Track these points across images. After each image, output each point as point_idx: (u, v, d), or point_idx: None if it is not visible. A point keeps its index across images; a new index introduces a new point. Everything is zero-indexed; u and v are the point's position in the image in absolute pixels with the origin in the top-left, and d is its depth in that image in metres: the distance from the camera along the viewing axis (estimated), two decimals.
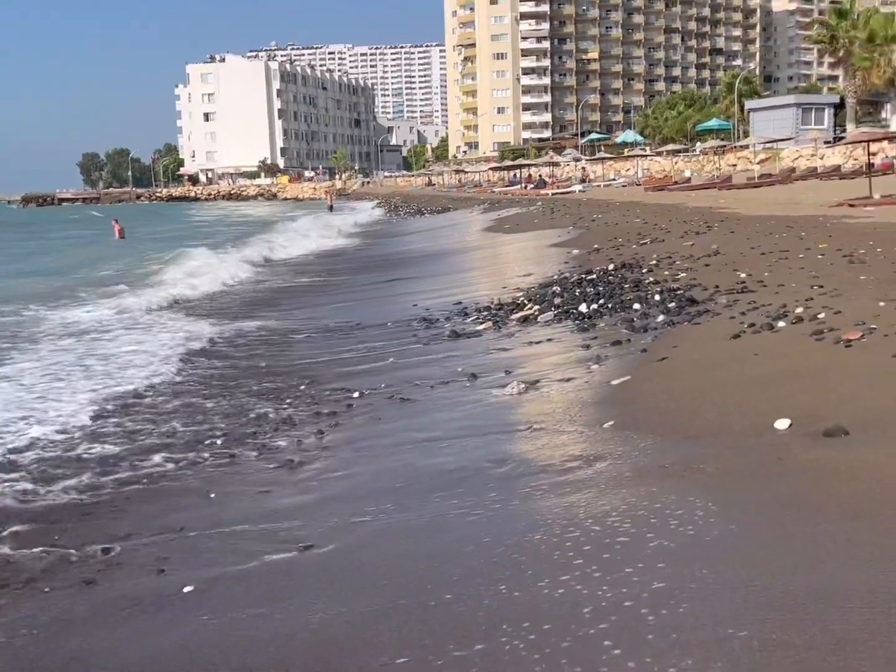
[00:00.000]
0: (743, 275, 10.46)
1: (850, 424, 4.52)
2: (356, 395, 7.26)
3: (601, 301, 9.92)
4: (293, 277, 19.29)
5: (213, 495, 5.10)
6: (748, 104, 65.65)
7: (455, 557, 3.68)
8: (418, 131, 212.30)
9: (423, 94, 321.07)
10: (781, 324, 7.09)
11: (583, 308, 9.69)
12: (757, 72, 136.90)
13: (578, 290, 11.09)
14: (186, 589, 3.82)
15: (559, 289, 11.48)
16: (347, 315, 12.43)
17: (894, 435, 4.34)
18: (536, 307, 10.35)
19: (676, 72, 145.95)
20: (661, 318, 8.41)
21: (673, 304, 9.00)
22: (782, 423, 4.73)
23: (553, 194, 43.79)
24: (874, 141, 29.63)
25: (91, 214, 66.46)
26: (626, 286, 10.86)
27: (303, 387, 7.86)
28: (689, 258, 12.76)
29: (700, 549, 3.45)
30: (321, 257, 25.20)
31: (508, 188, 56.73)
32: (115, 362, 9.34)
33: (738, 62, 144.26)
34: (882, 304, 7.12)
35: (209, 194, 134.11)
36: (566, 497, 4.15)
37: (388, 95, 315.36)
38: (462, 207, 45.48)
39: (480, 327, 9.75)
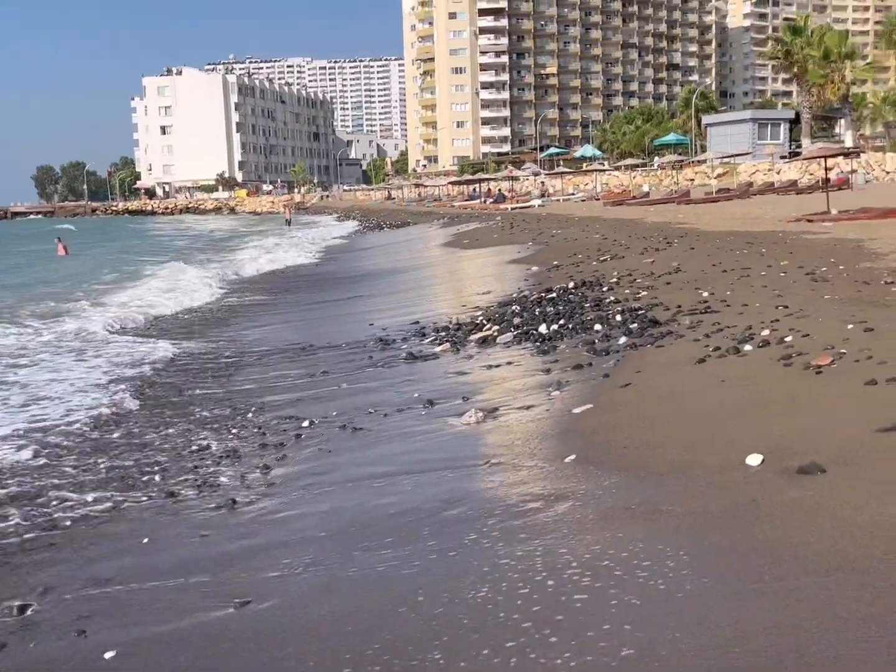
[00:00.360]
0: (705, 294, 10.27)
1: (825, 460, 4.26)
2: (306, 423, 6.90)
3: (561, 321, 9.65)
4: (247, 295, 18.83)
5: (146, 540, 4.71)
6: (705, 119, 66.33)
7: (393, 618, 3.35)
8: (378, 145, 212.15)
9: (382, 107, 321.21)
10: (748, 347, 6.85)
11: (543, 329, 9.41)
12: (713, 87, 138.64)
13: (538, 310, 10.82)
14: (108, 654, 3.44)
15: (519, 308, 11.21)
16: (301, 335, 12.05)
17: (872, 472, 4.09)
18: (496, 328, 10.06)
19: (634, 87, 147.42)
20: (623, 339, 8.16)
21: (635, 325, 8.76)
22: (754, 459, 4.46)
23: (512, 209, 43.70)
24: (830, 156, 29.82)
25: (65, 229, 65.14)
26: (587, 305, 10.62)
27: (250, 414, 7.48)
28: (650, 276, 12.56)
29: (672, 606, 3.15)
30: (275, 274, 24.74)
31: (468, 202, 56.60)
32: (46, 389, 8.85)
33: (695, 77, 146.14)
34: (850, 326, 6.92)
35: (166, 208, 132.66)
36: (524, 545, 3.83)
37: (348, 109, 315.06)
38: (422, 222, 45.24)
39: (438, 349, 9.43)
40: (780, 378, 5.84)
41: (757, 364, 6.33)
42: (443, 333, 10.40)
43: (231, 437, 6.80)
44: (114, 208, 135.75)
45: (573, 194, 55.50)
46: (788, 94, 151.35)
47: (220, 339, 12.39)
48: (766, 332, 7.23)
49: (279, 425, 7.00)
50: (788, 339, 6.88)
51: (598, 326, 9.07)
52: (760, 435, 4.80)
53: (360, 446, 6.11)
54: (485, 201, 53.56)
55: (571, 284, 12.50)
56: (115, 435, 7.05)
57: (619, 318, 9.33)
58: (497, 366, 8.13)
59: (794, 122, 60.34)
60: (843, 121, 73.63)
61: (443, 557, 3.83)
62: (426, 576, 3.67)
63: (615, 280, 12.55)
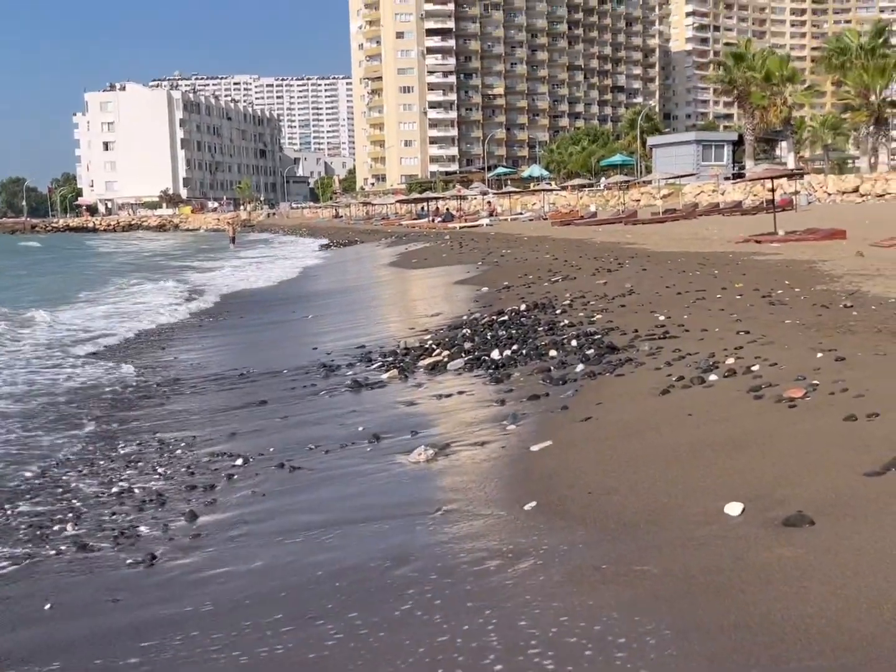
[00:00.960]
0: (662, 317, 9.92)
1: (812, 510, 3.84)
2: (239, 461, 6.33)
3: (514, 347, 9.20)
4: (187, 316, 18.09)
5: (48, 606, 4.12)
6: (650, 140, 66.95)
7: None
8: (325, 163, 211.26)
9: (330, 125, 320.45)
10: (713, 377, 6.46)
11: (495, 355, 8.95)
12: (657, 109, 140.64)
13: (490, 334, 10.37)
14: None
15: (469, 331, 10.75)
16: (241, 359, 11.44)
17: (865, 525, 3.67)
18: (446, 353, 9.57)
19: (580, 108, 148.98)
20: (580, 367, 7.72)
21: (591, 351, 8.34)
22: (734, 508, 4.02)
23: (461, 228, 43.43)
24: (776, 178, 30.01)
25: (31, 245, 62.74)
26: (540, 329, 10.20)
27: (178, 450, 6.88)
28: (604, 298, 12.21)
29: None
30: (218, 294, 23.99)
31: (416, 221, 56.28)
32: None
33: (639, 100, 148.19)
34: (819, 355, 6.57)
35: (108, 225, 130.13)
36: (478, 616, 3.33)
37: (295, 127, 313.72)
38: (369, 240, 44.74)
39: (385, 376, 8.91)
40: (751, 412, 5.44)
41: (724, 396, 5.93)
42: (390, 358, 9.88)
43: (157, 477, 6.20)
44: (54, 225, 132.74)
45: (521, 214, 55.46)
46: (730, 116, 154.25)
47: (155, 364, 11.72)
48: (730, 361, 6.85)
49: (210, 463, 6.42)
50: (755, 368, 6.50)
51: (553, 352, 8.64)
52: (737, 478, 4.37)
53: (298, 488, 5.57)
54: (433, 220, 53.24)
55: (523, 307, 12.08)
56: (27, 473, 6.40)
57: (574, 343, 8.91)
58: (448, 395, 7.63)
59: (737, 143, 61.11)
60: (784, 143, 75.00)
61: (387, 633, 3.31)
62: (361, 659, 3.14)
63: (568, 302, 12.17)
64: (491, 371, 8.38)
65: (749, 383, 6.07)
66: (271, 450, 6.58)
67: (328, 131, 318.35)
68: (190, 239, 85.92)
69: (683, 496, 4.29)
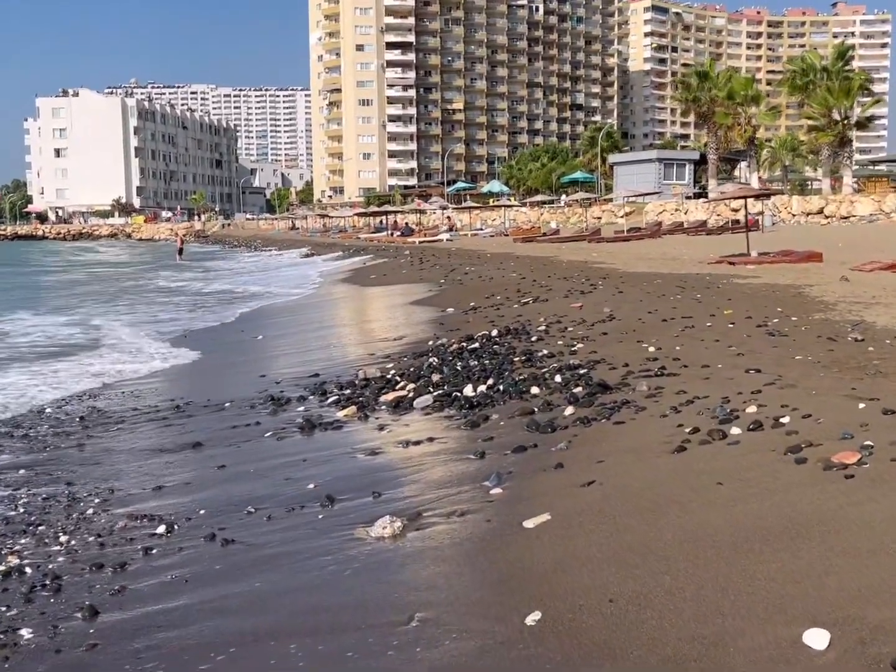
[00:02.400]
0: (651, 348, 8.91)
1: None
2: (161, 528, 5.15)
3: (490, 381, 8.10)
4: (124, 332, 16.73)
5: None
6: (611, 158, 66.60)
7: None
8: (282, 174, 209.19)
9: (287, 137, 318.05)
10: (736, 430, 5.41)
11: (468, 391, 7.85)
12: (615, 127, 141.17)
13: (460, 363, 9.27)
14: None
15: (437, 360, 9.64)
16: (179, 388, 10.22)
17: None
18: (411, 386, 8.45)
19: (538, 125, 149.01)
20: (569, 410, 6.65)
21: (579, 390, 7.28)
22: (817, 638, 2.96)
23: (420, 242, 42.38)
24: (751, 197, 29.38)
25: None
26: (517, 359, 9.12)
27: (91, 509, 5.67)
28: (582, 323, 11.18)
29: None
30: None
31: (374, 235, 55.11)
32: None
33: (597, 118, 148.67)
34: (862, 405, 5.56)
35: (58, 233, 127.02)
36: None
37: (252, 137, 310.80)
38: (326, 253, 43.49)
39: (342, 414, 7.76)
40: (798, 483, 4.39)
41: (757, 458, 4.88)
42: (347, 391, 8.73)
43: (57, 548, 4.99)
44: (2, 233, 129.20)
45: (481, 229, 54.55)
46: (687, 136, 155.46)
47: (81, 392, 10.43)
48: (751, 409, 5.82)
49: (126, 529, 5.23)
50: (785, 420, 5.47)
51: (535, 389, 7.56)
52: (809, 588, 3.31)
53: (230, 574, 4.40)
54: (392, 234, 52.14)
55: (495, 332, 11.01)
56: None
57: (558, 378, 7.84)
58: (416, 442, 6.50)
59: (699, 162, 60.91)
60: (743, 163, 75.15)
61: None
62: None
63: (543, 328, 11.12)
64: (465, 411, 7.27)
65: (783, 441, 5.04)
66: (202, 512, 5.40)
67: (286, 143, 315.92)
68: (141, 250, 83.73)
69: (742, 615, 3.21)
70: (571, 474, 5.12)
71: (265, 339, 14.74)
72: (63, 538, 5.14)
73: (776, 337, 9.19)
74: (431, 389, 8.25)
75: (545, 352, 9.29)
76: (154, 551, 4.82)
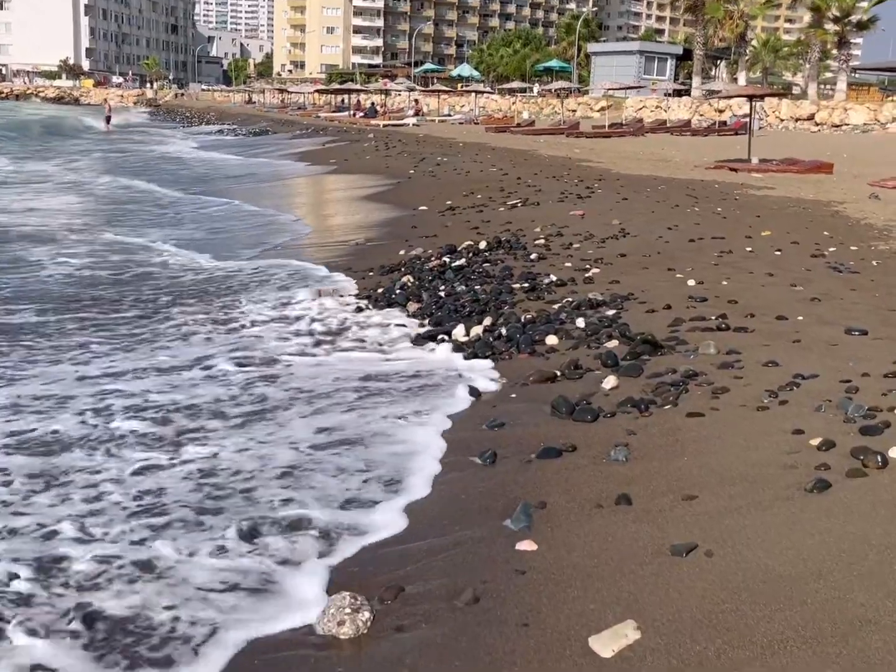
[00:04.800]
0: (691, 281, 6.92)
1: None
2: None
3: (487, 320, 6.05)
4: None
5: None
6: (590, 47, 63.17)
7: None
8: (241, 44, 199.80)
9: (248, 5, 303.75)
10: None
11: (459, 333, 5.80)
12: (590, 17, 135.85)
13: (443, 287, 7.19)
14: None
15: (412, 280, 7.54)
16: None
17: None
18: (377, 319, 6.39)
19: (511, 9, 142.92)
20: (610, 381, 4.64)
21: (615, 345, 5.28)
22: None
23: (385, 125, 39.46)
24: (759, 96, 27.04)
25: None
26: (516, 286, 7.07)
27: None
28: (590, 239, 9.12)
29: None
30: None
31: (335, 114, 51.73)
32: None
33: (572, 6, 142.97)
34: None
35: None
36: None
37: (211, 4, 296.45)
38: (282, 131, 40.38)
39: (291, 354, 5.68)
40: None
41: None
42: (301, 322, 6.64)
43: None
44: None
45: (449, 115, 51.42)
46: (662, 31, 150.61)
47: None
48: None
49: None
50: None
51: (552, 339, 5.53)
52: None
53: None
54: (354, 115, 48.88)
55: (483, 244, 8.91)
56: None
57: (580, 322, 5.82)
58: (384, 417, 4.47)
59: (681, 58, 57.92)
60: (722, 63, 72.06)
61: None
62: None
63: (542, 241, 9.04)
64: (460, 352, 5.25)
65: None
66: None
67: (246, 11, 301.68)
68: (78, 112, 78.50)
69: None
70: (649, 523, 3.14)
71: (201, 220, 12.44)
72: None
73: (845, 274, 7.23)
74: (405, 322, 6.20)
75: (553, 278, 7.23)
76: None
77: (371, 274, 8.16)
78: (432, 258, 8.36)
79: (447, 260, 8.13)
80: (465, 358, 5.32)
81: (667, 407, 4.23)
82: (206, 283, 8.40)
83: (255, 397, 4.89)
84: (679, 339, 5.30)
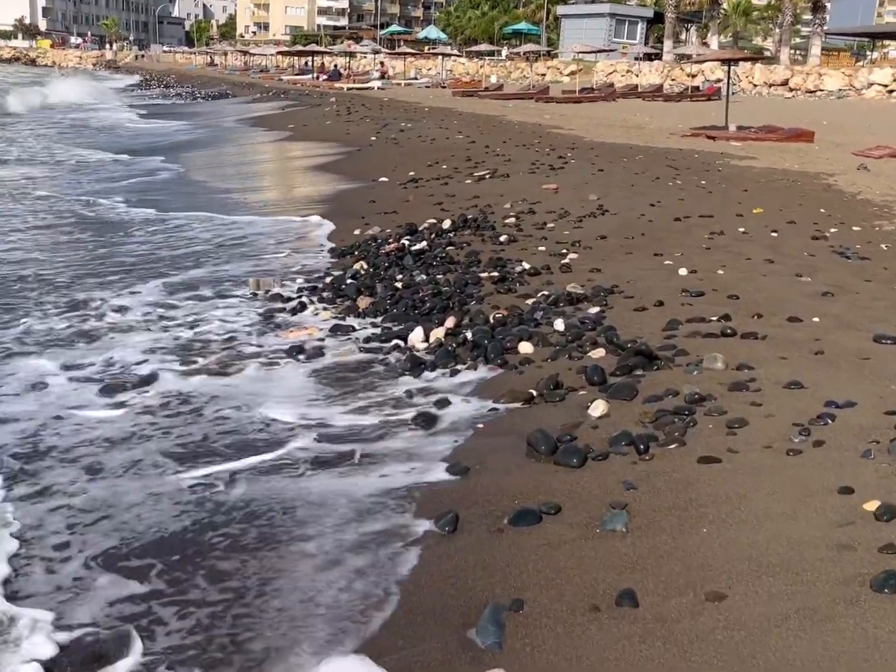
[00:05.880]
0: (683, 270, 6.09)
1: None
2: None
3: (450, 320, 5.15)
4: None
5: None
6: (560, 9, 61.77)
7: None
8: (204, 5, 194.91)
9: None
10: None
11: (417, 338, 4.90)
12: None
13: (400, 277, 6.28)
14: None
15: (366, 267, 6.62)
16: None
17: None
18: (325, 316, 5.48)
19: None
20: (599, 407, 3.77)
21: (601, 355, 4.43)
22: None
23: (349, 89, 38.17)
24: (739, 60, 26.12)
25: None
26: (484, 275, 6.18)
27: None
28: (566, 216, 8.23)
29: None
30: None
31: (298, 77, 50.17)
32: None
33: None
34: None
35: None
36: None
37: None
38: (242, 94, 38.95)
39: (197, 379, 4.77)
40: None
41: None
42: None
43: None
44: None
45: (415, 79, 50.08)
46: None
47: None
48: None
49: None
50: None
51: (525, 346, 4.65)
52: None
53: None
54: (317, 77, 47.39)
55: (447, 223, 7.98)
56: None
57: (559, 324, 4.94)
58: (320, 462, 3.58)
59: (651, 21, 56.84)
60: (693, 28, 70.96)
61: None
62: None
63: (513, 220, 8.14)
64: (411, 378, 4.36)
65: None
66: None
67: None
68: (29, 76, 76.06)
69: None
70: (664, 640, 2.30)
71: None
72: None
73: (854, 261, 6.42)
74: (355, 324, 5.29)
75: (525, 266, 6.34)
76: None
77: (320, 258, 7.22)
78: (390, 240, 7.42)
79: (406, 243, 7.20)
80: (416, 374, 4.41)
81: (672, 446, 3.37)
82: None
83: None
84: (677, 347, 4.45)
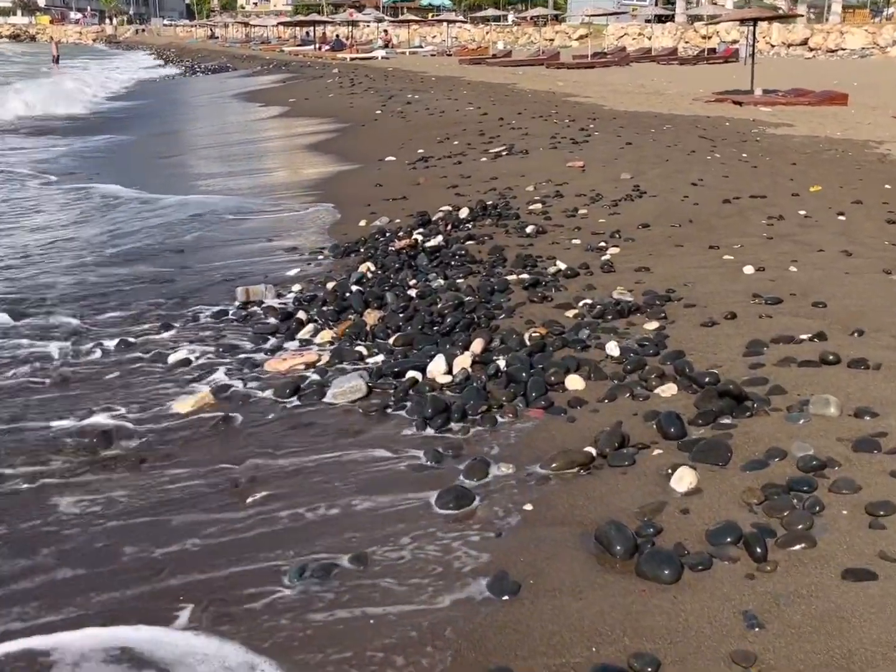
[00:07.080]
0: (749, 269, 5.17)
1: None
2: None
3: (477, 343, 4.21)
4: None
5: None
6: None
7: None
8: None
9: None
10: None
11: (438, 368, 3.95)
12: None
13: (413, 283, 5.33)
14: None
15: (374, 270, 5.67)
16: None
17: None
18: (326, 336, 4.56)
19: None
20: (685, 480, 2.84)
21: (673, 393, 3.50)
22: None
23: (352, 59, 36.98)
24: (765, 20, 24.90)
25: None
26: (512, 278, 5.23)
27: None
28: (598, 200, 7.27)
29: None
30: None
31: (300, 48, 48.94)
32: None
33: None
34: None
35: None
36: None
37: None
38: (243, 68, 37.84)
39: (184, 408, 3.85)
40: None
41: None
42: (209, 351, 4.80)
43: None
44: None
45: (420, 47, 48.77)
46: None
47: None
48: None
49: None
50: None
51: (574, 380, 3.71)
52: None
53: None
54: (319, 48, 46.13)
55: (465, 211, 7.03)
56: None
57: (612, 347, 4.00)
58: (324, 569, 2.66)
59: None
60: None
61: None
62: None
63: (539, 205, 7.18)
64: (434, 434, 3.44)
65: None
66: None
67: None
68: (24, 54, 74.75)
69: None
70: None
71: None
72: None
73: None
74: (364, 350, 4.36)
75: (560, 265, 5.39)
76: None
77: (321, 258, 6.28)
78: (400, 233, 6.47)
79: (419, 238, 6.25)
80: (440, 426, 3.48)
81: (798, 547, 2.45)
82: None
83: None
84: (769, 382, 3.51)
